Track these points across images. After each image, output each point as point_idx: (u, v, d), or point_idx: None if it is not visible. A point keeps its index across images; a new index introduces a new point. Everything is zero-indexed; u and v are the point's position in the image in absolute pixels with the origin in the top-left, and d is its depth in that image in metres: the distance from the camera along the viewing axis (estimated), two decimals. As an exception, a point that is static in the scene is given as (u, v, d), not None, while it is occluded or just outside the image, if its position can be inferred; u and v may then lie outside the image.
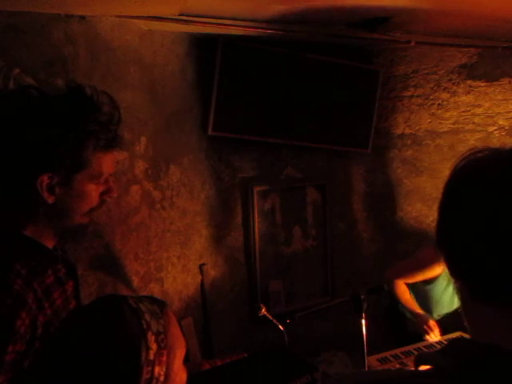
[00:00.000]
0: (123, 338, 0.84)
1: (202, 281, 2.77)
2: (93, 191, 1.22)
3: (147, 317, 0.88)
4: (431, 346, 2.44)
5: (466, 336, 0.73)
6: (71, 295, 1.23)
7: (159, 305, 0.94)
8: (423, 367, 0.69)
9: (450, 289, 2.49)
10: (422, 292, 2.60)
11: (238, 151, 2.87)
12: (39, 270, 1.15)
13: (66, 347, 0.85)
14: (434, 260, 2.39)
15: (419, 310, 2.52)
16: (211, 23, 2.36)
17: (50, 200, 1.16)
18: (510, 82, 3.49)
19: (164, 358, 0.88)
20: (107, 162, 1.23)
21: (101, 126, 1.20)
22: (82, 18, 2.12)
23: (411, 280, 2.57)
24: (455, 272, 0.69)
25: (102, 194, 1.26)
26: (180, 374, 0.93)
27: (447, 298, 2.54)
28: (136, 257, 2.49)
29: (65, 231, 1.25)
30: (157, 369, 0.86)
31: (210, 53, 2.65)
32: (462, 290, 0.70)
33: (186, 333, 2.63)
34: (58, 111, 1.16)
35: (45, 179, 1.14)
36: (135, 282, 2.49)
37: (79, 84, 1.23)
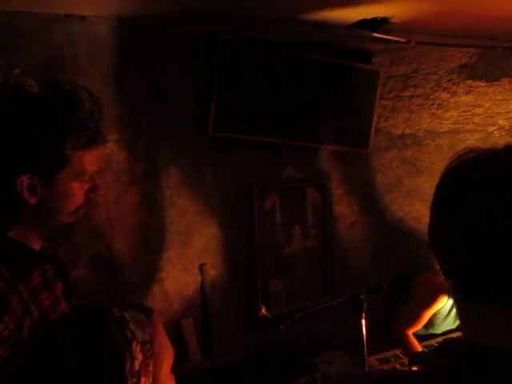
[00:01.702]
0: (106, 350, 0.81)
1: (202, 281, 2.77)
2: (77, 190, 1.20)
3: (132, 326, 0.85)
4: (431, 346, 2.44)
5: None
6: (61, 295, 1.20)
7: (145, 312, 0.90)
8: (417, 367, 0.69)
9: (453, 313, 2.44)
10: None
11: (238, 151, 2.87)
12: (25, 272, 1.12)
13: (46, 360, 0.82)
14: (436, 292, 2.32)
15: None
16: (211, 23, 2.37)
17: (32, 201, 1.13)
18: (510, 82, 3.49)
19: (150, 368, 0.85)
20: (90, 160, 1.20)
21: (81, 123, 1.16)
22: (82, 17, 2.12)
23: (422, 323, 2.45)
24: (448, 272, 0.68)
25: (88, 192, 1.23)
26: (168, 383, 0.91)
27: (448, 322, 2.51)
28: (136, 257, 2.50)
29: (52, 231, 1.23)
30: (143, 379, 0.83)
31: (210, 52, 2.64)
32: (455, 291, 0.69)
33: (185, 333, 2.63)
34: (34, 110, 1.13)
35: (24, 180, 1.11)
36: (135, 281, 2.49)
37: (56, 79, 1.19)
